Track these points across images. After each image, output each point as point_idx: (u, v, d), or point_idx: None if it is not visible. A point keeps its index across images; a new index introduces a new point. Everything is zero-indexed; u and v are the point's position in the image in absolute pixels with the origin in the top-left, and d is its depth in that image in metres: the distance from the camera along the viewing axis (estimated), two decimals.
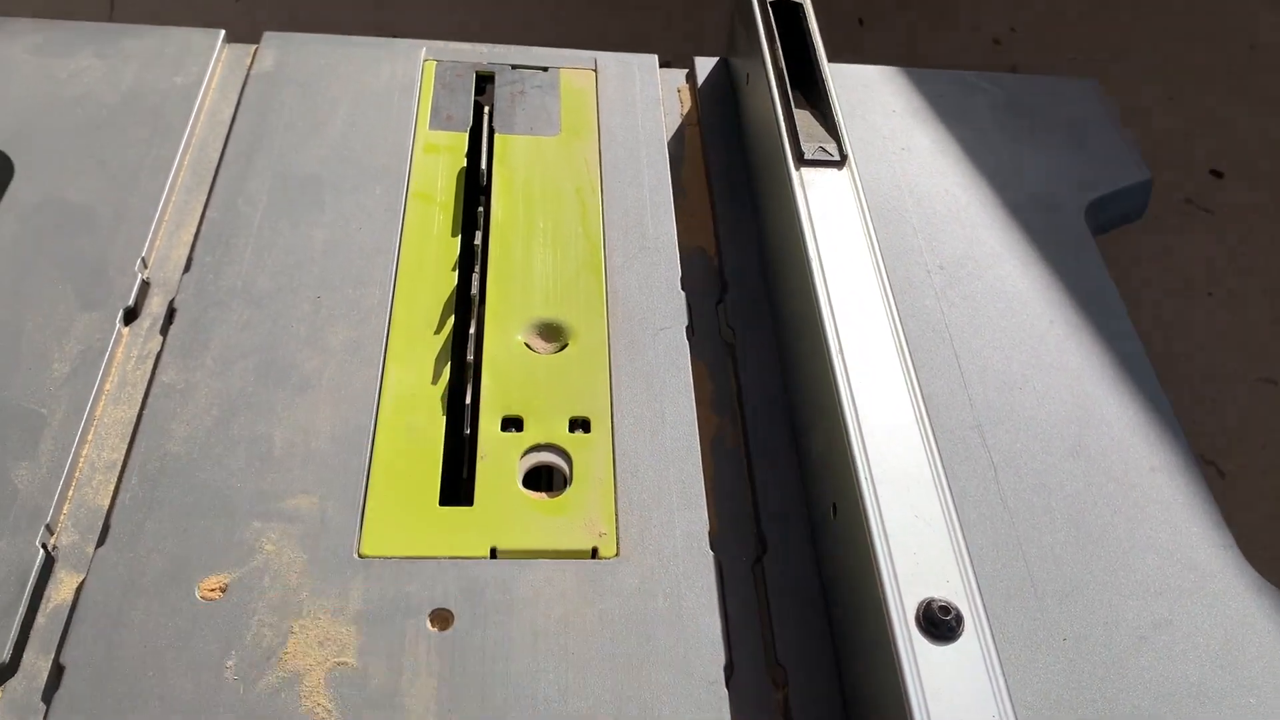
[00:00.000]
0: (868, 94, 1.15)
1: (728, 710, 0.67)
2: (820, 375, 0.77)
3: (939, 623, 0.61)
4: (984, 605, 0.63)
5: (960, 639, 0.61)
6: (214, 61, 1.07)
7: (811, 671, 0.70)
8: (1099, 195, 1.07)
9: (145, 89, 1.03)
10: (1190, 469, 0.84)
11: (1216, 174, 1.99)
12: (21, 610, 0.68)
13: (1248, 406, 1.60)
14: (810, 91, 0.98)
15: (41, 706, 0.64)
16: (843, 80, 1.13)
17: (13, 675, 0.66)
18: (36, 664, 0.67)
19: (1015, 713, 0.58)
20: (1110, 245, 1.77)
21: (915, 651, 0.60)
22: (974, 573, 0.64)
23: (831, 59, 1.00)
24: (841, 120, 0.92)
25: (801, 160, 0.88)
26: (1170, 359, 1.64)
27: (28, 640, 0.67)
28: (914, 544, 0.65)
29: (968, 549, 0.66)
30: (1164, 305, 1.74)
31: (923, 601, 0.62)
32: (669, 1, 2.23)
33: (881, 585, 0.62)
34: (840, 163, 0.89)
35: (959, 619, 0.61)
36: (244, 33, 1.12)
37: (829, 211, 0.86)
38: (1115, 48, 2.29)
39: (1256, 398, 1.61)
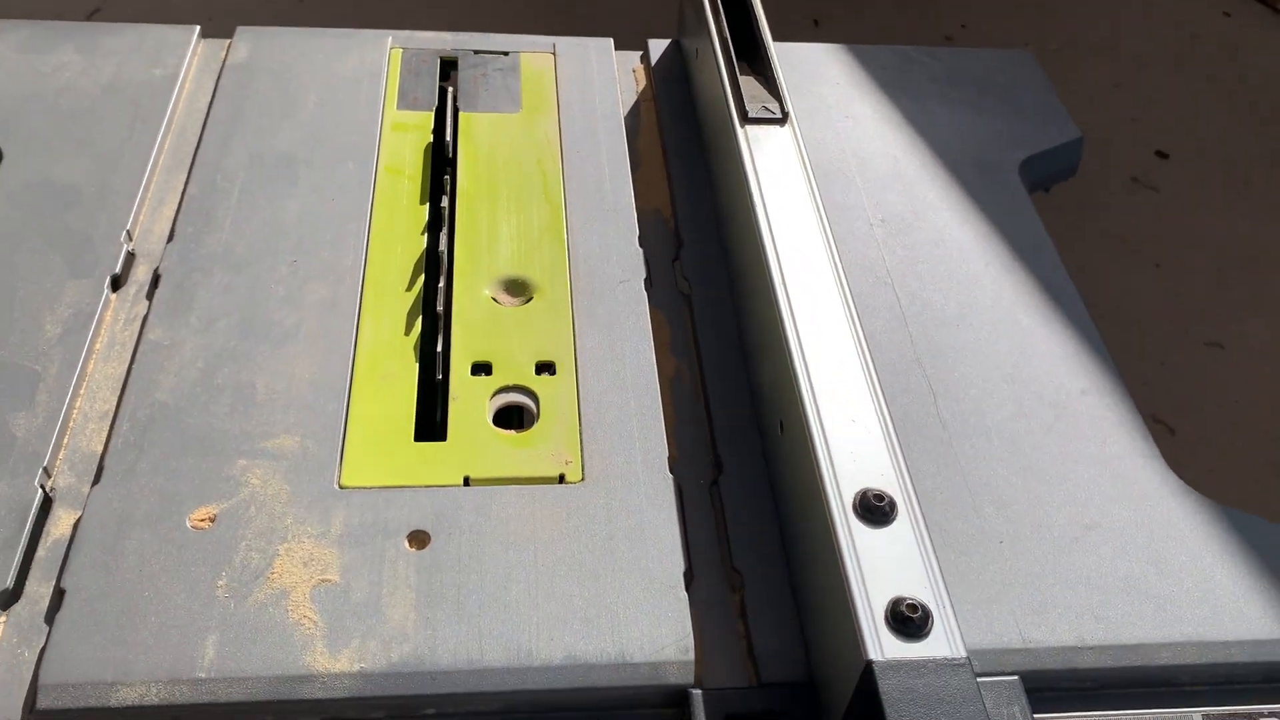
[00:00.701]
0: (814, 69, 1.21)
1: (688, 610, 0.72)
2: (767, 311, 0.83)
3: (873, 509, 0.66)
4: (916, 496, 0.68)
5: (894, 523, 0.66)
6: (190, 55, 1.12)
7: (765, 575, 0.75)
8: (1033, 153, 1.13)
9: (125, 81, 1.08)
10: (1119, 391, 0.90)
11: (1162, 155, 2.07)
12: (23, 543, 0.72)
13: (1196, 368, 1.67)
14: (755, 62, 1.04)
15: (45, 627, 0.69)
16: (790, 57, 1.19)
17: (17, 601, 0.70)
18: (39, 591, 0.71)
19: (946, 585, 0.64)
20: (1061, 221, 1.84)
21: (854, 536, 0.66)
22: (907, 468, 0.70)
23: None
24: (783, 83, 0.98)
25: (746, 118, 0.94)
26: (1122, 326, 1.71)
27: (29, 570, 0.72)
28: (851, 445, 0.70)
29: (901, 450, 0.71)
30: (1114, 277, 1.81)
31: (859, 491, 0.67)
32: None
33: (821, 479, 0.68)
34: (782, 120, 0.95)
35: (892, 504, 0.67)
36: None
37: (773, 164, 0.92)
38: (1063, 39, 2.38)
39: (1204, 360, 1.68)
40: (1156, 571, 0.78)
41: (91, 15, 2.14)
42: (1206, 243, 1.89)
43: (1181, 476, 0.85)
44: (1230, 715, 0.72)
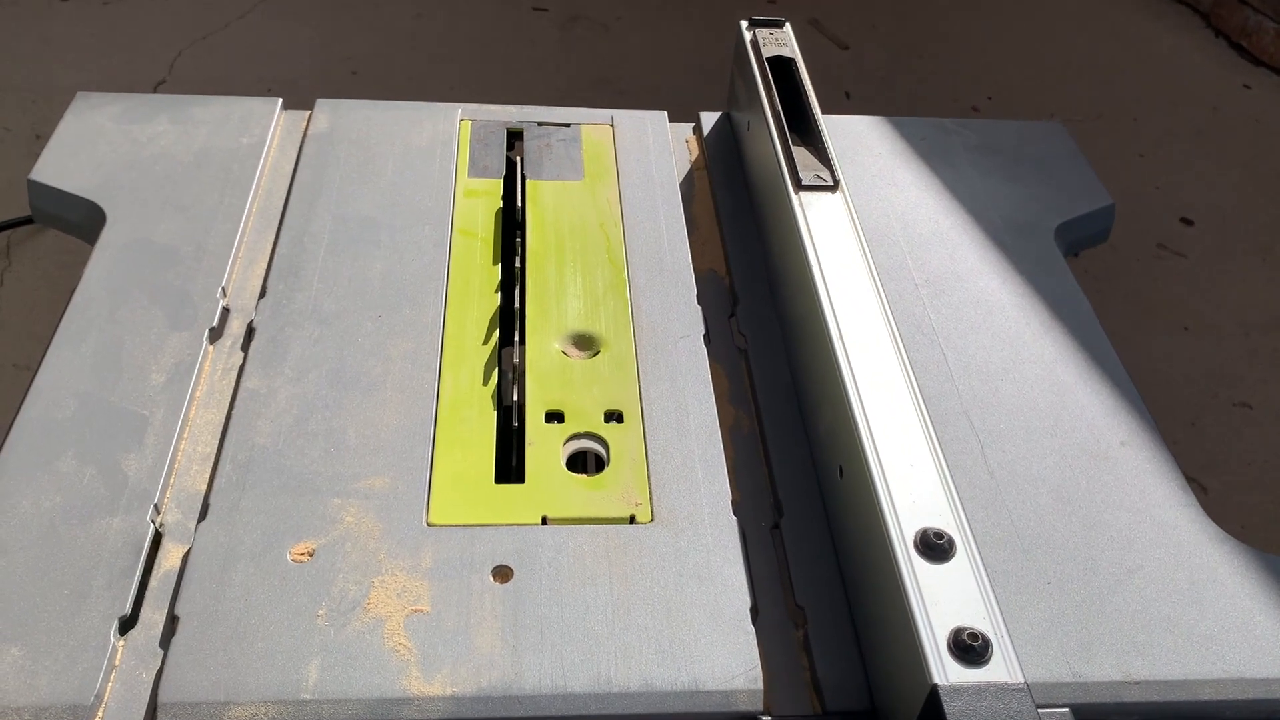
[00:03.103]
0: (856, 140, 1.28)
1: (755, 644, 0.77)
2: (825, 363, 0.88)
3: (934, 546, 0.71)
4: (973, 534, 0.73)
5: (953, 559, 0.71)
6: (274, 124, 1.21)
7: (826, 611, 0.80)
8: (1067, 219, 1.19)
9: (215, 148, 1.16)
10: (1156, 443, 0.95)
11: (1187, 222, 2.13)
12: (138, 574, 0.78)
13: (1226, 428, 1.71)
14: (803, 134, 1.11)
15: (159, 651, 0.74)
16: (833, 129, 1.26)
17: (134, 626, 0.76)
18: (153, 618, 0.77)
19: (1002, 613, 0.68)
20: (1091, 286, 1.90)
21: (915, 571, 0.70)
22: (964, 509, 0.75)
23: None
24: (833, 152, 1.05)
25: (800, 185, 1.01)
26: (1153, 388, 1.75)
27: (144, 598, 0.77)
28: (909, 486, 0.76)
29: (957, 492, 0.76)
30: (1144, 340, 1.86)
31: (919, 530, 0.72)
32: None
33: (884, 519, 0.73)
34: (833, 187, 1.02)
35: (951, 542, 0.71)
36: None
37: (826, 227, 0.98)
38: (1088, 111, 2.45)
39: (1234, 420, 1.72)
40: (1198, 612, 0.82)
41: (157, 87, 2.25)
42: (1232, 306, 1.94)
43: None
44: None
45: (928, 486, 0.76)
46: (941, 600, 0.69)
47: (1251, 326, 1.89)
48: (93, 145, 1.16)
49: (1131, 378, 1.03)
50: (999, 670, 0.66)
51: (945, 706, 0.63)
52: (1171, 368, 1.81)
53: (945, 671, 0.65)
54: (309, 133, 1.20)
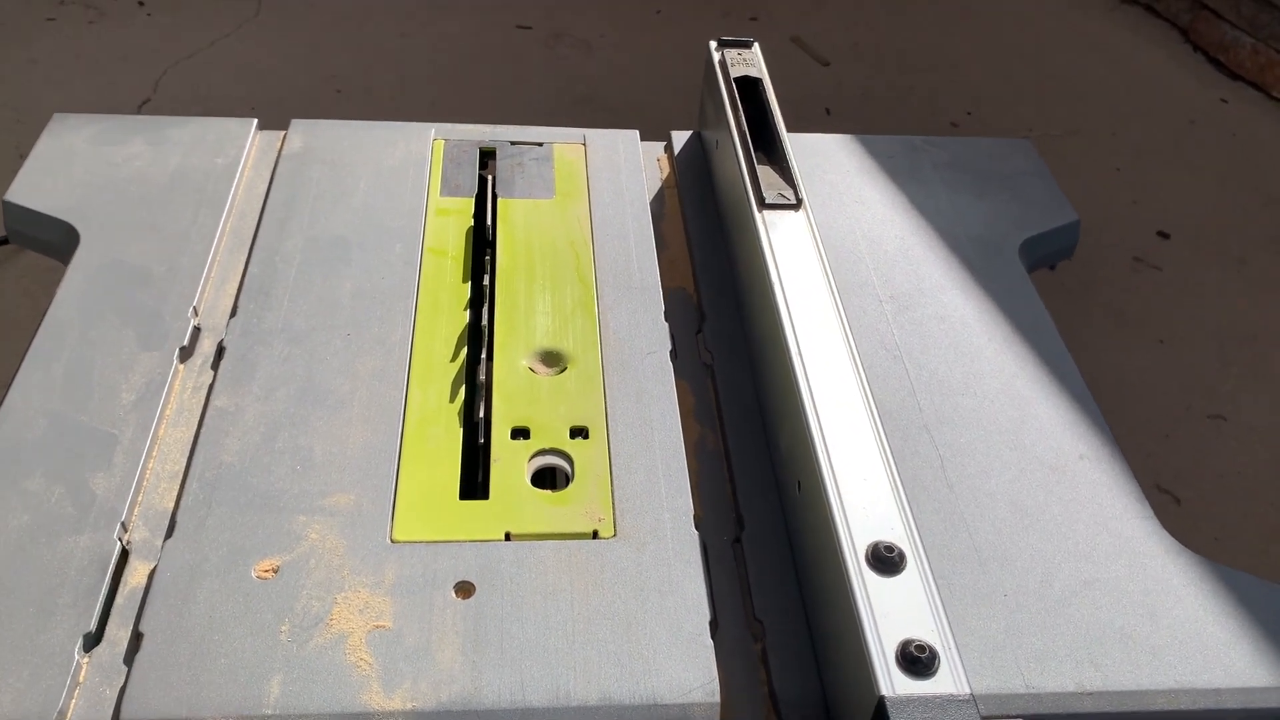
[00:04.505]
0: (826, 158, 1.30)
1: (713, 657, 0.78)
2: (785, 381, 0.90)
3: (884, 559, 0.72)
4: (924, 548, 0.74)
5: (903, 572, 0.72)
6: (249, 145, 1.22)
7: (784, 625, 0.81)
8: (1032, 235, 1.21)
9: (190, 169, 1.18)
10: (1114, 456, 0.96)
11: (1163, 235, 2.15)
12: (104, 591, 0.79)
13: (1200, 440, 1.72)
14: (770, 153, 1.13)
15: (124, 668, 0.75)
16: (804, 147, 1.28)
17: (98, 644, 0.77)
18: (118, 634, 0.77)
19: (952, 629, 0.69)
20: (1067, 299, 1.92)
21: (866, 583, 0.72)
22: (915, 522, 0.76)
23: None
24: (797, 171, 1.07)
25: (763, 204, 1.02)
26: (1127, 399, 1.77)
27: (110, 615, 0.78)
28: (863, 502, 0.77)
29: (910, 506, 0.77)
30: (1119, 353, 1.87)
31: (871, 544, 0.73)
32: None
33: (836, 532, 0.74)
34: (796, 206, 1.03)
35: (902, 555, 0.73)
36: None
37: (788, 246, 0.99)
38: (1066, 125, 2.48)
39: (1207, 432, 1.74)
40: (1151, 623, 0.83)
41: (142, 106, 2.26)
42: (1207, 320, 1.95)
43: (1187, 544, 0.90)
44: None
45: (881, 501, 0.77)
46: (891, 613, 0.70)
47: (1226, 339, 1.91)
48: (68, 166, 1.17)
49: (1103, 391, 1.05)
50: (945, 682, 0.67)
51: (892, 717, 0.64)
52: (1146, 380, 1.82)
53: (893, 683, 0.66)
54: (283, 153, 1.21)
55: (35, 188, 1.14)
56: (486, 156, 1.26)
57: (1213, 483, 1.65)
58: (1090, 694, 0.77)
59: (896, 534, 0.75)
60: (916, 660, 0.67)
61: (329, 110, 2.31)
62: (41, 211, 1.11)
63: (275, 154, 1.22)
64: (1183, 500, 1.62)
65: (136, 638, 0.76)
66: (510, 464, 0.91)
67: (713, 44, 1.26)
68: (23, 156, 1.18)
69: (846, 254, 1.15)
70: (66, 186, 1.14)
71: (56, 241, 1.11)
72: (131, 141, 1.21)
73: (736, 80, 1.18)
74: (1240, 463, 1.68)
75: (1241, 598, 0.84)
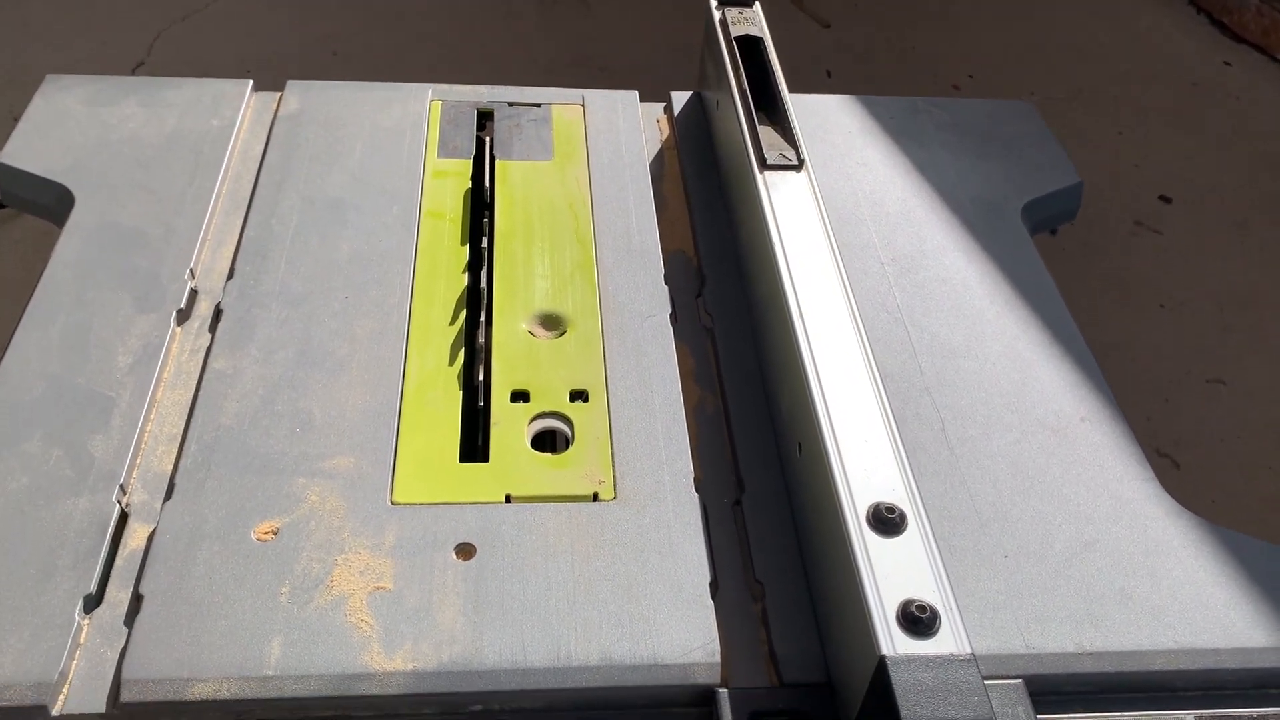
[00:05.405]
0: (828, 118, 1.29)
1: (714, 617, 0.78)
2: (787, 344, 0.89)
3: (885, 520, 0.72)
4: (925, 509, 0.74)
5: (904, 533, 0.72)
6: (244, 106, 1.21)
7: (784, 586, 0.81)
8: (1034, 198, 1.20)
9: (185, 131, 1.16)
10: (1116, 419, 0.96)
11: (1165, 199, 2.14)
12: (104, 553, 0.79)
13: (1199, 404, 1.72)
14: (771, 114, 1.12)
15: (124, 629, 0.75)
16: (806, 108, 1.27)
17: (99, 605, 0.77)
18: (118, 596, 0.77)
19: (952, 586, 0.69)
20: (1068, 263, 1.91)
21: (867, 545, 0.71)
22: (916, 484, 0.76)
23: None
24: (799, 132, 1.06)
25: (764, 165, 1.01)
26: (1127, 364, 1.76)
27: (110, 578, 0.78)
28: (864, 462, 0.77)
29: (911, 468, 0.77)
30: (1119, 317, 1.87)
31: (872, 505, 0.73)
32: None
33: (838, 494, 0.74)
34: (798, 167, 1.02)
35: (903, 517, 0.72)
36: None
37: (790, 207, 0.98)
38: (1068, 88, 2.46)
39: (1207, 396, 1.73)
40: (1151, 584, 0.83)
41: (136, 68, 2.24)
42: (1208, 284, 1.95)
43: (1187, 507, 0.90)
44: (1220, 718, 0.77)
45: (882, 462, 0.77)
46: (892, 573, 0.70)
47: (1226, 304, 1.91)
48: (62, 128, 1.16)
49: (1103, 355, 1.04)
50: (947, 642, 0.67)
51: (893, 677, 0.64)
52: (1146, 344, 1.82)
53: (894, 643, 0.66)
54: (279, 114, 1.20)
55: (29, 150, 1.13)
56: (484, 118, 1.24)
57: (1212, 447, 1.65)
58: (1090, 654, 0.78)
59: (898, 495, 0.74)
60: (918, 620, 0.67)
61: (325, 72, 2.29)
62: (35, 174, 1.10)
63: (271, 115, 1.21)
64: (1181, 464, 1.62)
65: (137, 599, 0.76)
66: (510, 427, 0.91)
67: (713, 3, 1.24)
68: (16, 118, 1.16)
69: (848, 216, 1.14)
70: (60, 148, 1.13)
71: (51, 204, 1.10)
72: (126, 103, 1.20)
73: (737, 40, 1.17)
74: (1239, 427, 1.68)
75: (1241, 559, 0.85)
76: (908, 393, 0.96)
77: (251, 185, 1.11)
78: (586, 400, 0.93)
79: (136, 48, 2.32)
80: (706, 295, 1.05)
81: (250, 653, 0.73)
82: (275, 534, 0.80)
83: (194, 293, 1.00)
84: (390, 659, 0.73)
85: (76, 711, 0.71)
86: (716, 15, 1.22)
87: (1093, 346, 1.05)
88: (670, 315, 1.01)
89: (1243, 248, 2.04)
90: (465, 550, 0.81)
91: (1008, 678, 0.75)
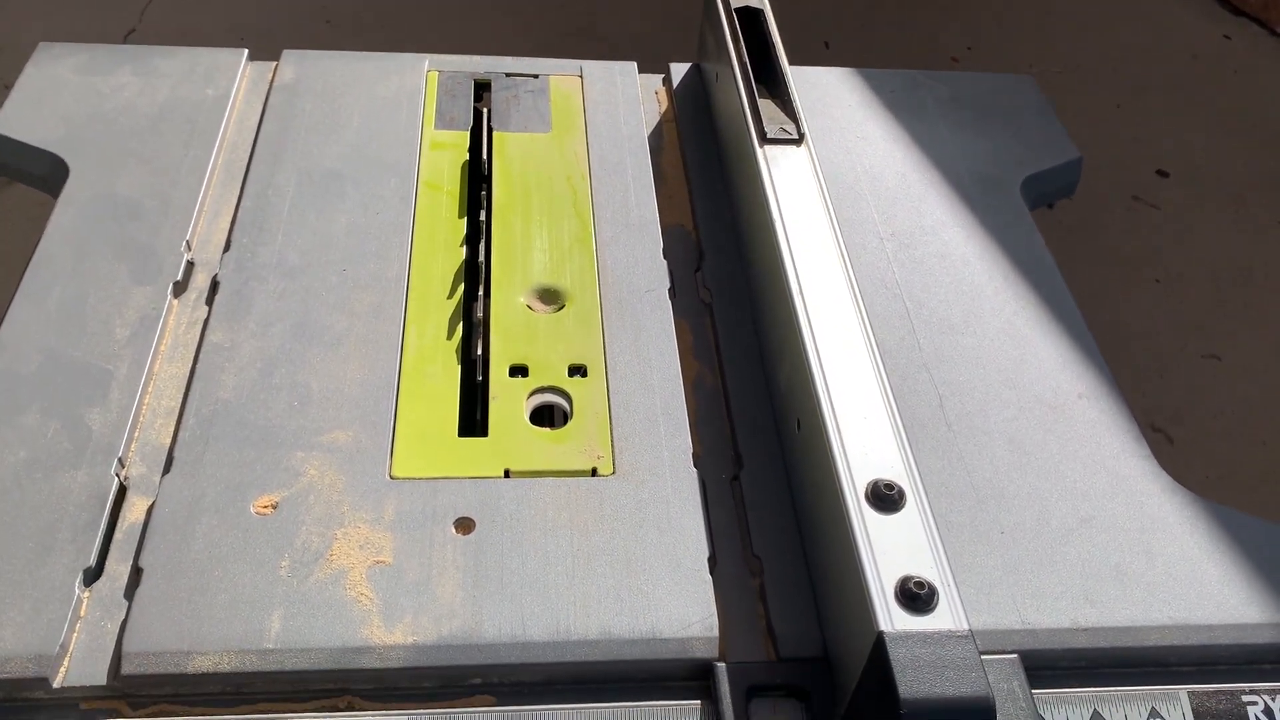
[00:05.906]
0: (827, 92, 1.28)
1: (712, 592, 0.78)
2: (785, 318, 0.89)
3: (884, 497, 0.72)
4: (923, 486, 0.74)
5: (903, 510, 0.72)
6: (240, 76, 1.20)
7: (782, 561, 0.81)
8: (1033, 172, 1.19)
9: (180, 101, 1.15)
10: (1113, 395, 0.96)
11: (1162, 174, 2.13)
12: (103, 526, 0.79)
13: (1195, 380, 1.73)
14: (771, 86, 1.11)
15: (124, 602, 0.75)
16: (805, 81, 1.26)
17: (99, 578, 0.77)
18: (118, 569, 0.77)
19: (950, 562, 0.70)
20: (1065, 238, 1.91)
21: (866, 521, 0.72)
22: (915, 461, 0.76)
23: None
24: (799, 105, 1.05)
25: (764, 138, 1.01)
26: (1123, 339, 1.77)
27: (109, 551, 0.78)
28: (862, 439, 0.77)
29: (910, 444, 0.77)
30: (1116, 292, 1.87)
31: (870, 481, 0.73)
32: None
33: (836, 470, 0.74)
34: (798, 141, 1.02)
35: (901, 493, 0.73)
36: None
37: (790, 182, 0.98)
38: (1066, 62, 2.44)
39: (1202, 371, 1.74)
40: (1146, 561, 0.84)
41: (127, 36, 2.22)
42: (1204, 259, 1.95)
43: (1181, 483, 0.91)
44: (1214, 693, 0.78)
45: (881, 439, 0.77)
46: (890, 550, 0.70)
47: (1222, 278, 1.91)
48: (55, 97, 1.15)
49: (1099, 330, 1.04)
50: (944, 618, 0.67)
51: (890, 652, 0.65)
52: (1141, 319, 1.82)
53: (891, 619, 0.67)
54: (275, 84, 1.19)
55: (21, 119, 1.12)
56: (481, 89, 1.23)
57: (1207, 422, 1.65)
58: (1086, 630, 0.78)
59: (896, 472, 0.75)
60: (916, 596, 0.67)
61: (319, 42, 2.27)
62: (28, 143, 1.09)
63: (267, 85, 1.20)
64: (1176, 439, 1.63)
65: (136, 572, 0.76)
66: (509, 402, 0.90)
67: None
68: (7, 87, 1.15)
69: (847, 190, 1.14)
70: (53, 118, 1.12)
71: (45, 174, 1.09)
72: (119, 72, 1.19)
73: (737, 10, 1.16)
74: (1233, 402, 1.69)
75: (1236, 536, 0.85)
76: (906, 369, 0.96)
77: (247, 156, 1.10)
78: (585, 375, 0.93)
79: (128, 15, 2.30)
80: (705, 270, 1.05)
81: (250, 626, 0.73)
82: (274, 508, 0.81)
83: (190, 265, 1.00)
84: (390, 632, 0.74)
85: (77, 684, 0.71)
86: None
87: (1087, 321, 1.06)
88: (669, 290, 1.01)
89: (1239, 223, 2.04)
90: (464, 524, 0.81)
91: (1004, 653, 0.75)
